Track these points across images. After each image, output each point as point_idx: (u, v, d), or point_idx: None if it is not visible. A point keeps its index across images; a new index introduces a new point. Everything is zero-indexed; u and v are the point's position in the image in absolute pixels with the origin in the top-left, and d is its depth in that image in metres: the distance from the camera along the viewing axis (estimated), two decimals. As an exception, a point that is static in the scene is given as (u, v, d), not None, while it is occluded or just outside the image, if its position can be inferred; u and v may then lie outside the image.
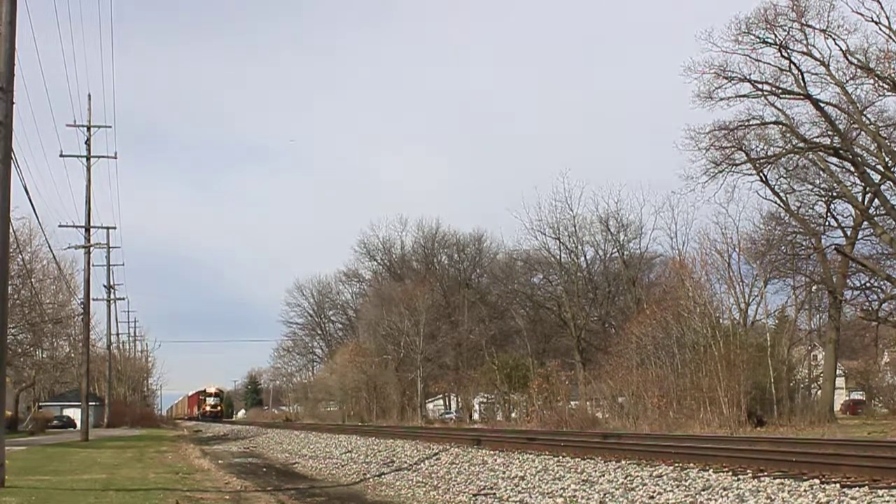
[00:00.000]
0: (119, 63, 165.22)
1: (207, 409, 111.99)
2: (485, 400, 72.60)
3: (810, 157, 45.54)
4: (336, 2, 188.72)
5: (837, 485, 11.26)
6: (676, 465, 14.83)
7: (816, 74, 43.25)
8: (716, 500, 12.01)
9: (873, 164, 44.00)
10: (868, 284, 47.33)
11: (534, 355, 70.59)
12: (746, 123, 45.00)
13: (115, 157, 42.55)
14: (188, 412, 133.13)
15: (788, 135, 45.59)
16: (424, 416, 77.69)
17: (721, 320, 45.61)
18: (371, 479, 19.52)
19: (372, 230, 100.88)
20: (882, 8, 39.74)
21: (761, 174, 46.36)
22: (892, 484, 11.08)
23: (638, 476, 14.30)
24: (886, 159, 42.81)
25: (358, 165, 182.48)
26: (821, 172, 46.23)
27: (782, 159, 46.34)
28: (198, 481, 17.38)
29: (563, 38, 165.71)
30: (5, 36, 14.98)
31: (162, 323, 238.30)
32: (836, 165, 45.70)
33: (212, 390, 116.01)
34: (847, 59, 41.77)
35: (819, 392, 50.12)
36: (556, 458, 17.76)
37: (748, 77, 44.03)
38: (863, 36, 41.14)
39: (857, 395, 69.49)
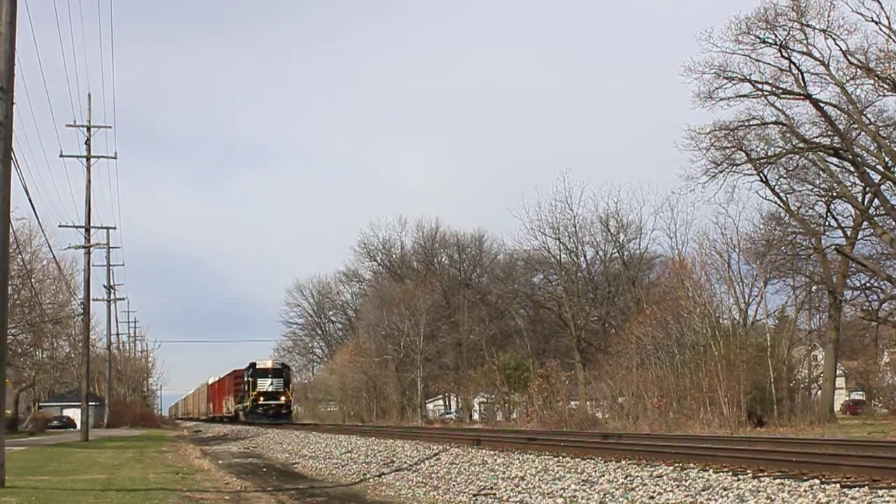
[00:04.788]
0: (119, 63, 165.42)
1: (261, 400, 60.83)
2: (485, 400, 72.65)
3: (810, 157, 45.58)
4: (336, 1, 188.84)
5: (837, 485, 11.25)
6: (676, 465, 14.83)
7: (816, 74, 43.34)
8: (716, 500, 12.01)
9: (873, 164, 44.04)
10: (868, 284, 47.41)
11: (534, 355, 70.62)
12: (746, 123, 45.08)
13: (115, 157, 42.65)
14: (211, 409, 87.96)
15: (788, 135, 45.63)
16: (424, 416, 77.72)
17: (721, 320, 45.64)
18: (371, 479, 19.51)
19: (372, 230, 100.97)
20: (882, 8, 39.84)
21: (761, 174, 46.42)
22: (892, 484, 11.08)
23: (638, 476, 14.30)
24: (886, 159, 42.83)
25: (358, 165, 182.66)
26: (821, 172, 46.27)
27: (782, 159, 46.39)
28: (198, 481, 17.39)
29: (563, 38, 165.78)
30: (5, 36, 14.98)
31: (162, 323, 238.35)
32: (836, 165, 45.77)
33: (267, 364, 63.89)
34: (847, 59, 41.83)
35: (819, 392, 50.14)
36: (556, 459, 17.75)
37: (748, 77, 44.11)
38: (863, 36, 41.24)
39: (857, 395, 69.55)
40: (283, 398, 61.42)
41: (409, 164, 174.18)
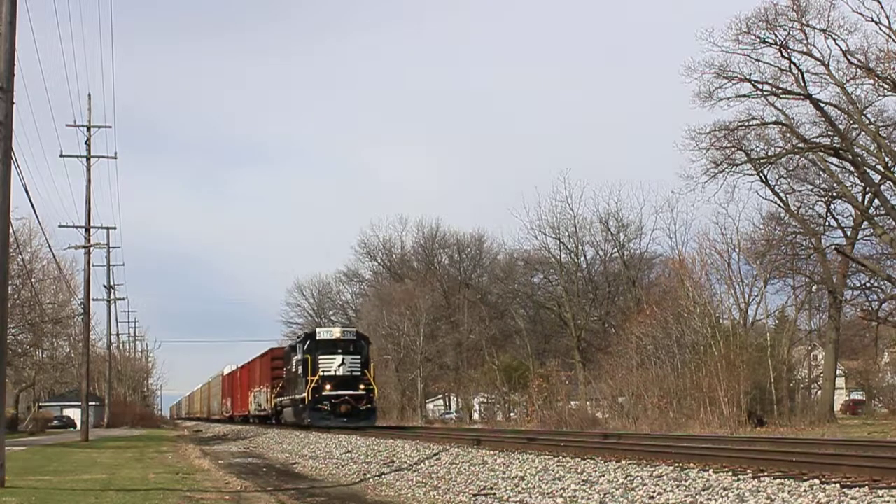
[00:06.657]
0: (119, 63, 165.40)
1: (328, 389, 37.30)
2: (485, 400, 72.64)
3: (810, 157, 45.62)
4: (336, 2, 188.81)
5: (837, 485, 11.25)
6: (676, 465, 14.83)
7: (816, 74, 43.37)
8: (716, 500, 12.00)
9: (873, 164, 44.06)
10: (868, 284, 47.40)
11: (534, 355, 70.63)
12: (746, 123, 45.10)
13: (115, 157, 42.54)
14: (229, 406, 69.06)
15: (788, 135, 45.66)
16: (424, 416, 77.69)
17: (721, 320, 45.70)
18: (371, 479, 19.51)
19: (372, 230, 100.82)
20: (882, 8, 39.83)
21: (761, 174, 46.45)
22: (892, 484, 11.08)
23: (638, 476, 14.29)
24: (886, 159, 42.85)
25: (358, 165, 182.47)
26: (821, 172, 46.32)
27: (782, 159, 46.43)
28: (198, 481, 17.38)
29: (563, 38, 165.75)
30: (5, 36, 14.98)
31: (162, 323, 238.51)
32: (836, 165, 45.81)
33: (334, 333, 39.63)
34: (847, 59, 41.85)
35: (819, 392, 50.18)
36: (556, 459, 17.74)
37: (748, 77, 44.11)
38: (863, 36, 41.26)
39: (857, 395, 69.58)
40: (362, 386, 38.39)
41: (409, 164, 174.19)
